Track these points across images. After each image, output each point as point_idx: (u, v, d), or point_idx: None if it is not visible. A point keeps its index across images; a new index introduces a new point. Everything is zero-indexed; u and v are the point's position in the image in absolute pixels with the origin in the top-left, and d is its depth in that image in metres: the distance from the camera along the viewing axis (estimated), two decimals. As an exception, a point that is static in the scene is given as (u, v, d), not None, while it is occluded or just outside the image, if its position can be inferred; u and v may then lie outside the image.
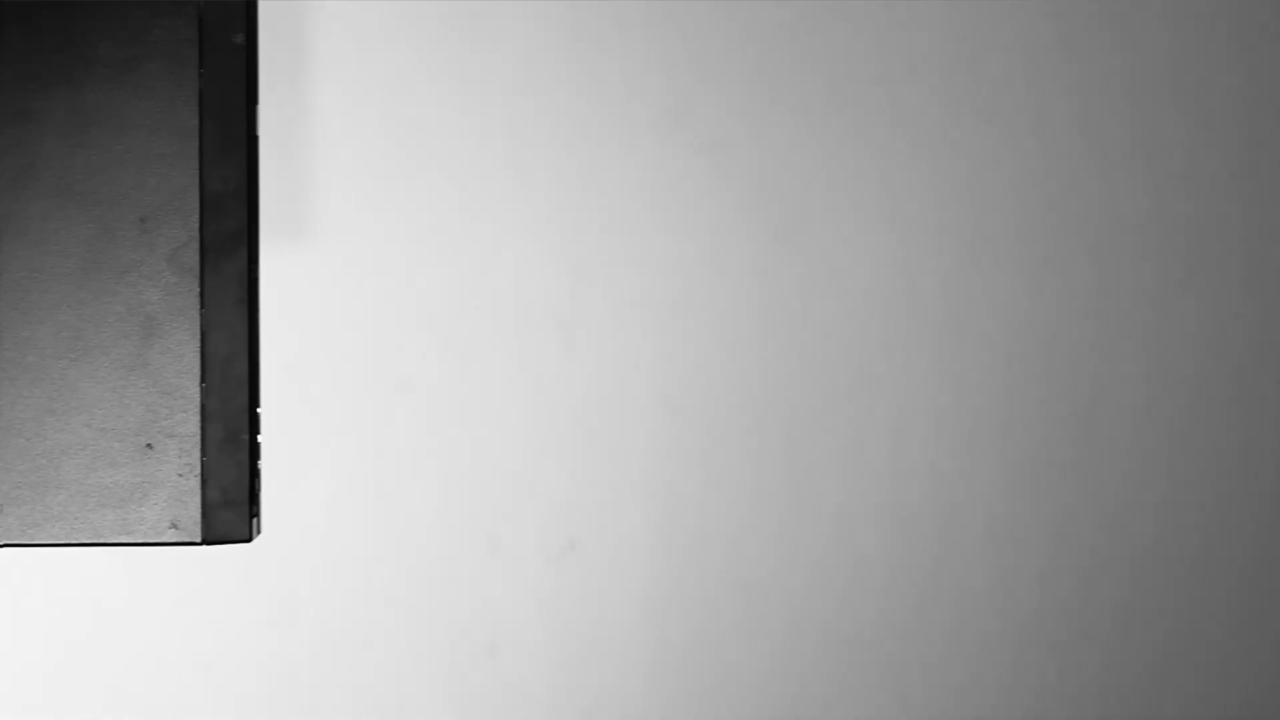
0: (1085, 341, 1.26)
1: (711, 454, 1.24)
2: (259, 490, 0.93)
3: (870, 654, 1.26)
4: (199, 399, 0.91)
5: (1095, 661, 1.28)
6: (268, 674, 1.23)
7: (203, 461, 0.91)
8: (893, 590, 1.26)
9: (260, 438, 0.94)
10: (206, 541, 0.92)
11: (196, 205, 0.91)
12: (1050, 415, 1.26)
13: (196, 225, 0.91)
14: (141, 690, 1.22)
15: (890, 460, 1.25)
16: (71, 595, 1.22)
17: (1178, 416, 1.27)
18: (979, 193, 1.25)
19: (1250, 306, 1.27)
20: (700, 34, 1.23)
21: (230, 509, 0.92)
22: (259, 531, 0.94)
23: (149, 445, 0.91)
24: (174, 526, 0.91)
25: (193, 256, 0.91)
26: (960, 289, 1.25)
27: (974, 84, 1.25)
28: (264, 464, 1.19)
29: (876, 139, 1.24)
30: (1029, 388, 1.26)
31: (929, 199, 1.25)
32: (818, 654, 1.26)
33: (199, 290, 0.91)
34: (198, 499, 0.91)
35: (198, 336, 0.91)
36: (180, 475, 0.91)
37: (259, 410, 0.93)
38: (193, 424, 0.91)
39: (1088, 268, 1.26)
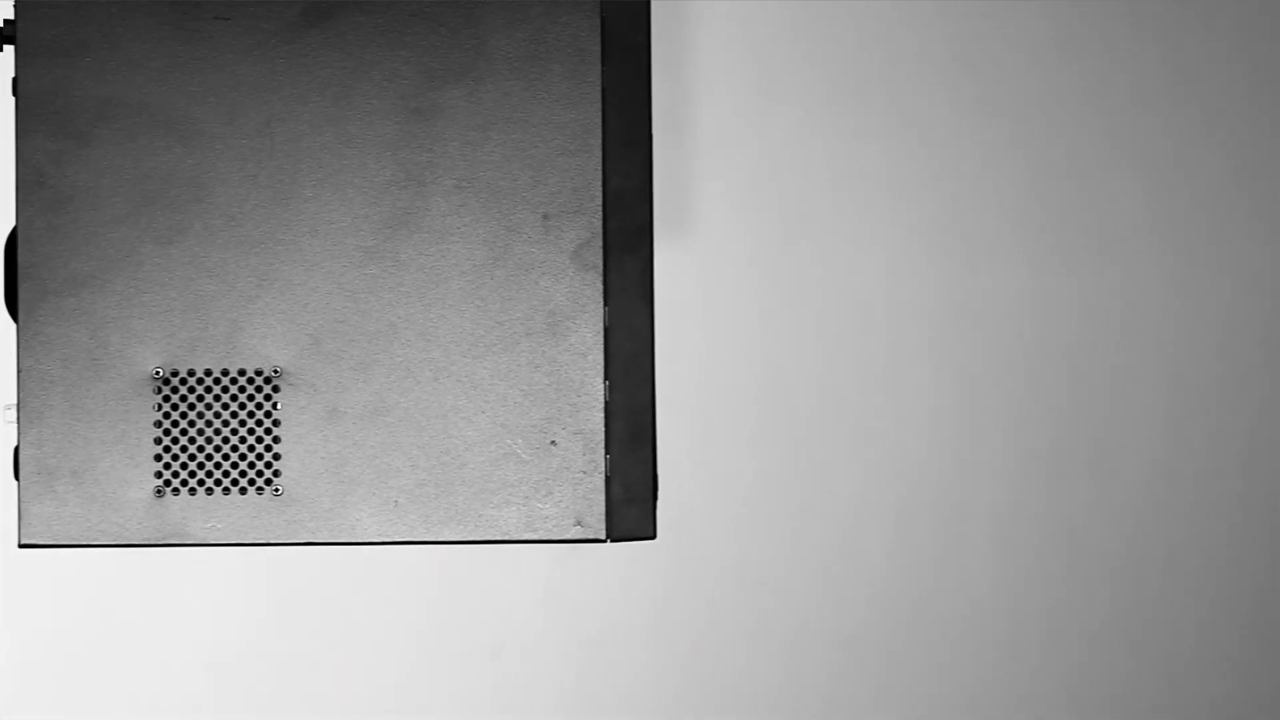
0: (1089, 340, 1.27)
1: (714, 454, 1.25)
2: (658, 488, 0.93)
3: (874, 653, 1.27)
4: (603, 396, 0.91)
5: (1100, 660, 1.29)
6: (272, 673, 1.23)
7: (607, 459, 0.91)
8: (896, 590, 1.27)
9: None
10: (611, 538, 0.92)
11: (599, 202, 0.91)
12: (1054, 414, 1.27)
13: (600, 222, 0.91)
14: (148, 688, 1.22)
15: (894, 459, 1.26)
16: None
17: (1182, 414, 1.28)
18: (983, 192, 1.26)
19: (1254, 304, 1.28)
20: (701, 34, 1.23)
21: (634, 506, 0.92)
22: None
23: (553, 442, 0.91)
24: (579, 524, 0.91)
25: (596, 253, 0.91)
26: (964, 288, 1.25)
27: (976, 84, 1.26)
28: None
29: (879, 138, 1.25)
30: (1033, 386, 1.27)
31: (932, 198, 1.25)
32: (822, 653, 1.26)
33: (603, 287, 0.91)
34: (602, 496, 0.91)
35: (601, 333, 0.91)
36: (584, 472, 0.91)
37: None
38: (597, 421, 0.91)
39: (1092, 266, 1.27)
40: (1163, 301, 1.26)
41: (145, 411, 0.91)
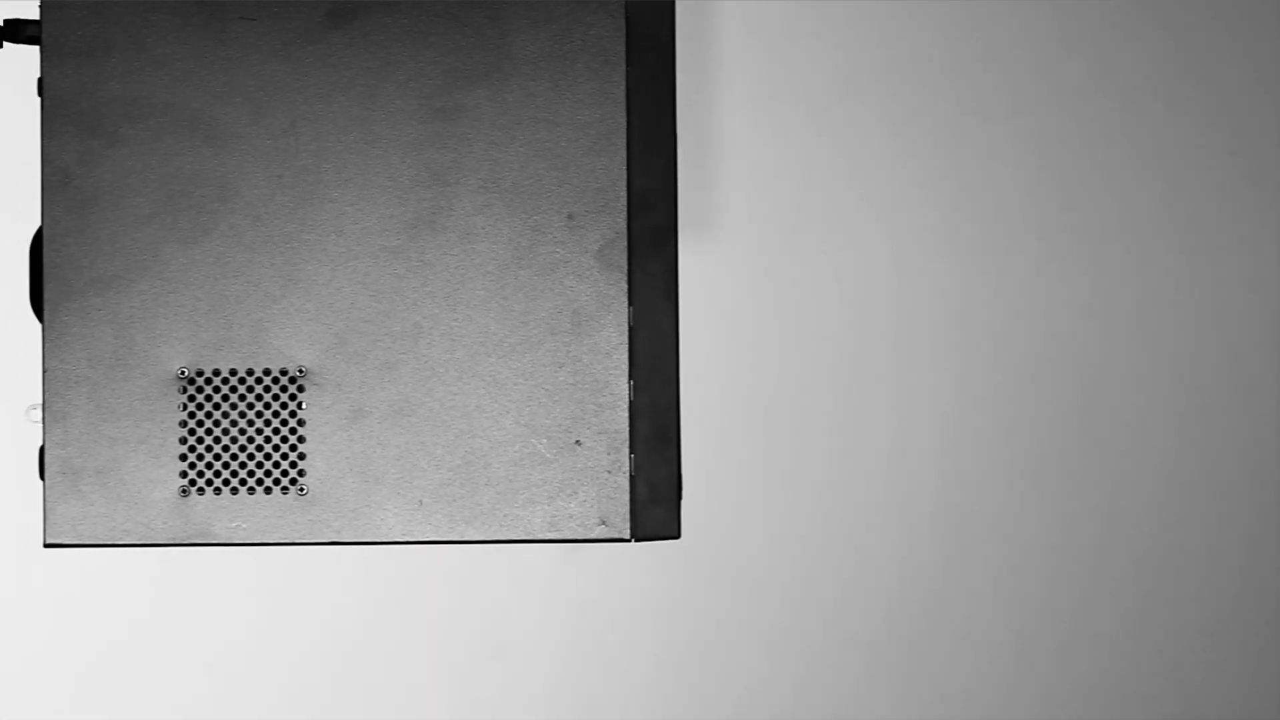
0: (1091, 341, 1.27)
1: (716, 455, 1.24)
2: (683, 487, 0.93)
3: (876, 655, 1.27)
4: (628, 395, 0.91)
5: (1103, 661, 1.29)
6: (275, 674, 1.23)
7: (632, 458, 0.91)
8: (899, 591, 1.27)
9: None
10: (636, 538, 0.92)
11: (624, 201, 0.91)
12: (1057, 415, 1.27)
13: (624, 221, 0.91)
14: (147, 689, 1.22)
15: (896, 461, 1.25)
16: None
17: (1181, 417, 1.27)
18: (984, 193, 1.26)
19: (1252, 305, 1.28)
20: (703, 34, 1.24)
21: (659, 506, 0.92)
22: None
23: (577, 442, 0.91)
24: (603, 523, 0.91)
25: (621, 253, 0.91)
26: (966, 289, 1.25)
27: (977, 84, 1.26)
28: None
29: (881, 138, 1.25)
30: (1035, 388, 1.27)
31: (934, 199, 1.25)
32: (823, 655, 1.26)
33: (627, 286, 0.91)
34: (627, 496, 0.91)
35: (626, 333, 0.91)
36: (609, 472, 0.91)
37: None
38: (621, 420, 0.91)
39: (1094, 267, 1.27)
40: (1171, 301, 1.26)
41: (170, 411, 0.91)
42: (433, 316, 0.91)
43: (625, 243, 0.91)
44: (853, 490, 1.24)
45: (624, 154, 0.91)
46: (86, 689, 1.22)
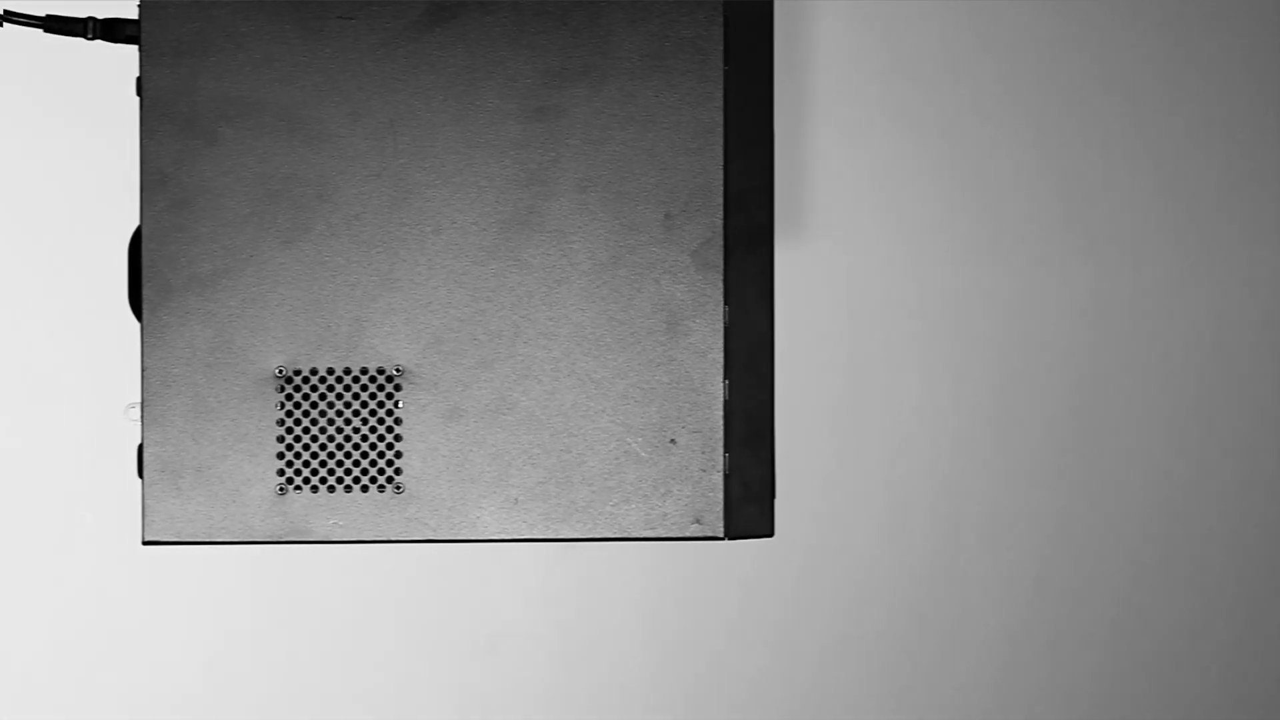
0: (1085, 342, 1.26)
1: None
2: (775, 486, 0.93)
3: (868, 654, 1.27)
4: (723, 395, 0.91)
5: (1094, 662, 1.28)
6: (271, 670, 1.23)
7: (726, 457, 0.91)
8: (891, 591, 1.26)
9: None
10: (730, 536, 0.92)
11: (720, 201, 0.92)
12: (1050, 416, 1.26)
13: (720, 221, 0.92)
14: (144, 687, 1.22)
15: (888, 461, 1.25)
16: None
17: (1177, 417, 1.27)
18: (979, 193, 1.25)
19: (1250, 306, 1.27)
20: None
21: (753, 504, 0.92)
22: (774, 528, 0.94)
23: (672, 441, 0.91)
24: (697, 521, 0.91)
25: (717, 252, 0.91)
26: (960, 289, 1.25)
27: (975, 84, 1.25)
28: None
29: (877, 138, 1.24)
30: (1029, 388, 1.26)
31: (928, 199, 1.25)
32: (815, 654, 1.26)
33: (723, 286, 0.91)
34: (721, 494, 0.91)
35: (721, 332, 0.91)
36: (703, 471, 0.91)
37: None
38: (716, 419, 0.91)
39: (1088, 268, 1.26)
40: (1169, 301, 1.26)
41: (268, 410, 0.92)
42: (529, 316, 0.92)
43: (721, 242, 0.91)
44: (846, 492, 1.24)
45: (721, 154, 0.92)
46: (80, 684, 1.22)
